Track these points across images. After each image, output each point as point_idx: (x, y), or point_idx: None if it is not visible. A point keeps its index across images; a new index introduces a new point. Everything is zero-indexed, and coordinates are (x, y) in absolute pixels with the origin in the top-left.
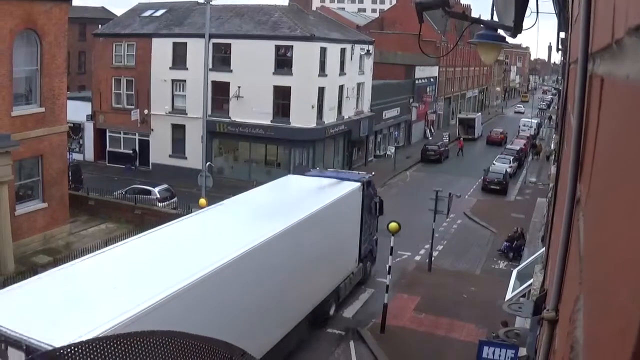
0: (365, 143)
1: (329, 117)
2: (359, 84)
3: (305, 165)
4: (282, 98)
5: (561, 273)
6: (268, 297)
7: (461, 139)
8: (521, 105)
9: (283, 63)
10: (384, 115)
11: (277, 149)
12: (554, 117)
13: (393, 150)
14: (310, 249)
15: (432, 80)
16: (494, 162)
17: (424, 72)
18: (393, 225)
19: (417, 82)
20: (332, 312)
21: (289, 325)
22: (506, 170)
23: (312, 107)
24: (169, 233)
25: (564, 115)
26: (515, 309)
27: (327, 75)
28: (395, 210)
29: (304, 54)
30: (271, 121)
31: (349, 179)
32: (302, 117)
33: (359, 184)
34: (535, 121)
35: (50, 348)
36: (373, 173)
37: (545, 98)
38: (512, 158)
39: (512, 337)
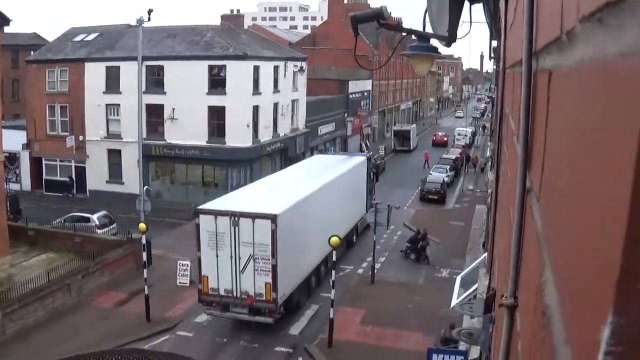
0: (302, 160)
1: (265, 135)
2: (293, 101)
3: (243, 183)
4: (217, 118)
5: (517, 260)
6: (331, 216)
7: (426, 152)
8: (460, 112)
9: (217, 83)
10: (319, 131)
11: (214, 169)
12: (487, 125)
13: None
14: (345, 193)
15: (365, 94)
16: (431, 172)
17: (357, 86)
18: (334, 239)
19: (351, 96)
20: (355, 239)
21: (326, 251)
22: (443, 180)
23: (248, 126)
24: (275, 179)
25: (501, 121)
26: (467, 309)
27: (261, 93)
28: None
29: (237, 73)
30: (207, 142)
31: (358, 155)
32: (237, 136)
33: (365, 157)
34: (470, 130)
35: (272, 214)
36: (371, 152)
37: (479, 106)
38: (448, 167)
39: (466, 337)
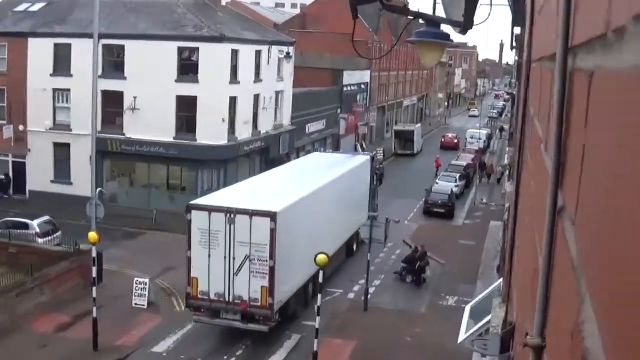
0: (286, 161)
1: (243, 132)
2: (277, 93)
3: (216, 188)
4: (186, 110)
5: (545, 292)
6: (332, 218)
7: (437, 157)
8: (475, 109)
9: (187, 68)
10: (307, 129)
11: (182, 170)
12: (506, 127)
13: None
14: (347, 194)
15: (362, 86)
16: (437, 180)
17: (353, 78)
18: (321, 257)
19: (345, 89)
20: (355, 248)
21: (338, 243)
22: (452, 190)
23: (223, 120)
24: (274, 175)
25: (523, 123)
26: (479, 346)
27: (239, 82)
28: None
29: (212, 57)
30: (174, 138)
31: (361, 154)
32: (210, 132)
33: (369, 156)
34: (485, 132)
35: (272, 211)
36: (375, 151)
37: (496, 104)
38: (458, 176)
39: None
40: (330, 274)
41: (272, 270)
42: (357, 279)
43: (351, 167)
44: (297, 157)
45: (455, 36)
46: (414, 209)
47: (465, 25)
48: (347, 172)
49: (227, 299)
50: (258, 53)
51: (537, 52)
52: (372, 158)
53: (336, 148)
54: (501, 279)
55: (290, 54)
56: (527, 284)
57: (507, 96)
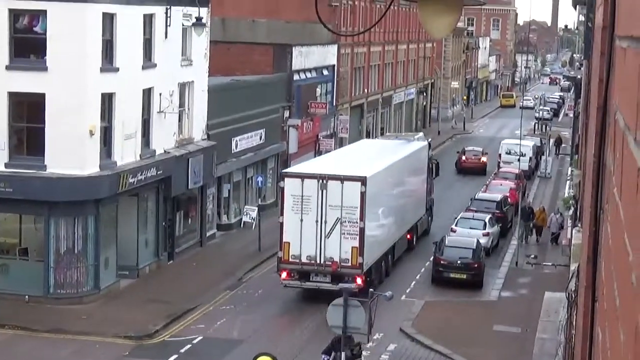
0: (199, 202)
1: (126, 154)
2: (183, 86)
3: (82, 250)
4: (27, 117)
5: None
6: (404, 198)
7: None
8: (530, 98)
9: (28, 47)
10: (234, 146)
11: (21, 221)
12: (567, 134)
13: (255, 214)
14: (410, 179)
15: (326, 72)
16: (454, 226)
17: (309, 59)
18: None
19: (296, 77)
20: (414, 242)
21: (404, 228)
22: (478, 243)
23: (91, 133)
24: (342, 152)
25: (602, 130)
26: None
27: (118, 69)
28: (270, 334)
29: (70, 27)
30: (6, 165)
31: (417, 140)
32: (69, 155)
33: (426, 142)
34: (532, 144)
35: (362, 176)
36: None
37: (550, 97)
38: (487, 219)
39: None
40: (397, 258)
41: (362, 231)
42: None
43: (413, 150)
44: (219, 190)
45: None
46: (417, 274)
47: None
48: (410, 154)
49: (318, 261)
50: (148, 20)
51: (627, 24)
52: (429, 145)
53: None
54: None
55: (204, 21)
56: None
57: (568, 82)
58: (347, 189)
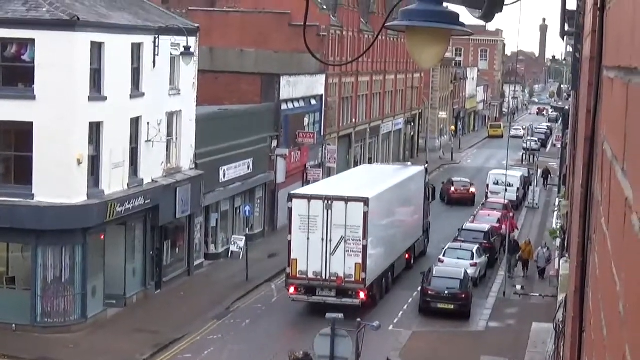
0: (186, 231)
1: (114, 183)
2: (171, 115)
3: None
4: (15, 146)
5: None
6: (402, 219)
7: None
8: (519, 127)
9: (15, 76)
10: (222, 175)
11: (8, 250)
12: (555, 165)
13: (243, 244)
14: (408, 201)
15: (313, 102)
16: (442, 256)
17: (297, 88)
18: None
19: (284, 106)
20: (412, 262)
21: (404, 246)
22: (466, 273)
23: (79, 162)
24: (345, 175)
25: (591, 155)
26: None
27: (106, 98)
28: None
29: (59, 55)
30: None
31: (414, 166)
32: (56, 184)
33: (423, 167)
34: (519, 174)
35: (365, 197)
36: (427, 163)
37: (538, 128)
38: (475, 249)
39: None
40: (397, 276)
41: (364, 248)
42: None
43: (411, 174)
44: (206, 219)
45: (469, 19)
46: (404, 305)
47: (489, 7)
48: (409, 178)
49: (324, 277)
50: (137, 48)
51: (613, 55)
52: (427, 170)
53: (271, 206)
54: None
55: (192, 50)
56: None
57: (555, 113)
58: (350, 209)
